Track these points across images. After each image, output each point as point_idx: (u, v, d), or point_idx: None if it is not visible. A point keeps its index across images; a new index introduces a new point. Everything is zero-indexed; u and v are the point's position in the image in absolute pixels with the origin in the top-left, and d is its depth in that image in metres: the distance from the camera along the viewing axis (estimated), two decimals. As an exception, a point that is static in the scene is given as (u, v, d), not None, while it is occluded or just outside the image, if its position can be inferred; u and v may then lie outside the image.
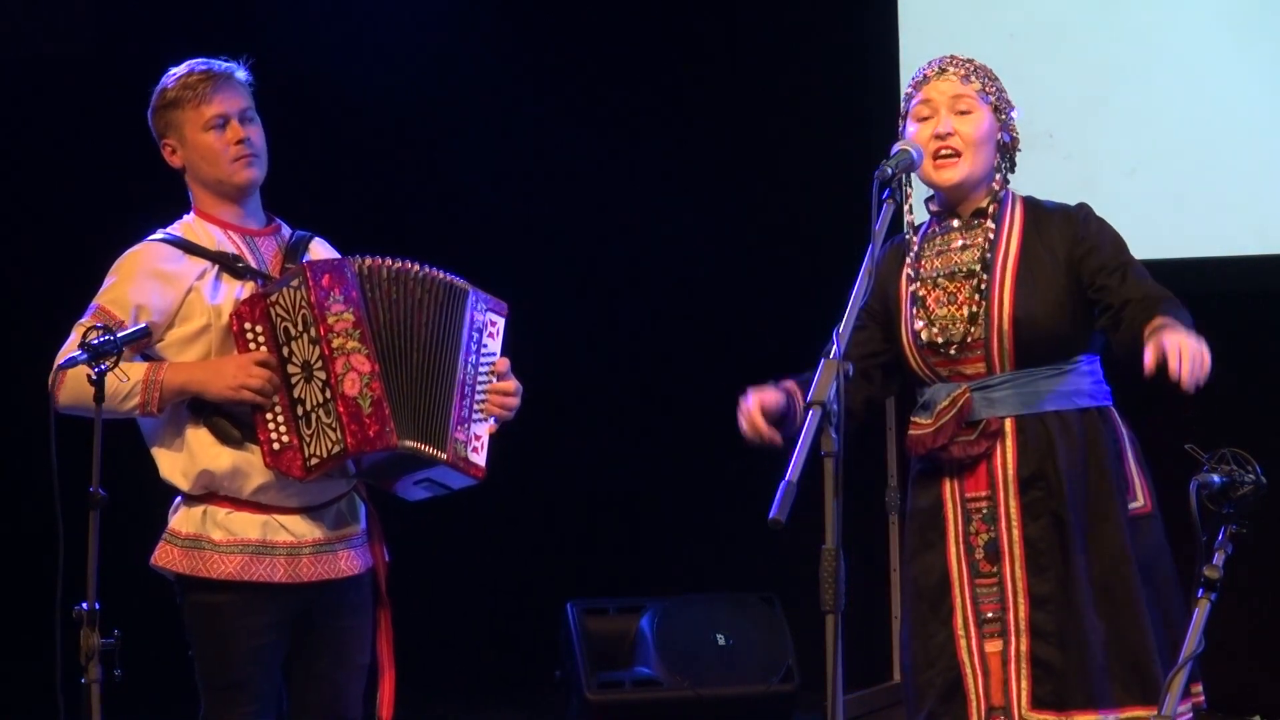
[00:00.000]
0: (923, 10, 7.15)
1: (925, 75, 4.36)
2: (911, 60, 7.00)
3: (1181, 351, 3.88)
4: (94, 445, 4.04)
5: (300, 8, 7.80)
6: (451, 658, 7.69)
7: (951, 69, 4.34)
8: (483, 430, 4.43)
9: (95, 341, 4.07)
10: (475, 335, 4.45)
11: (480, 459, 4.42)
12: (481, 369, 4.46)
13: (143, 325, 4.26)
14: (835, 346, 3.75)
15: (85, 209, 7.66)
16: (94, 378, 4.05)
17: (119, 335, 4.12)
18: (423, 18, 7.93)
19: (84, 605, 4.03)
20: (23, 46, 7.72)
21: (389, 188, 7.95)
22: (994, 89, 4.35)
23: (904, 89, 4.43)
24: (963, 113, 4.31)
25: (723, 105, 7.97)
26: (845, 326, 3.83)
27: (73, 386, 4.21)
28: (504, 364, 4.50)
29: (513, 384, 4.50)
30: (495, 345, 4.50)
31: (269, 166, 4.51)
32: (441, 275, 4.44)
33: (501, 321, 4.52)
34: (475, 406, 4.43)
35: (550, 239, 7.91)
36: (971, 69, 4.35)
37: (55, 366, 4.23)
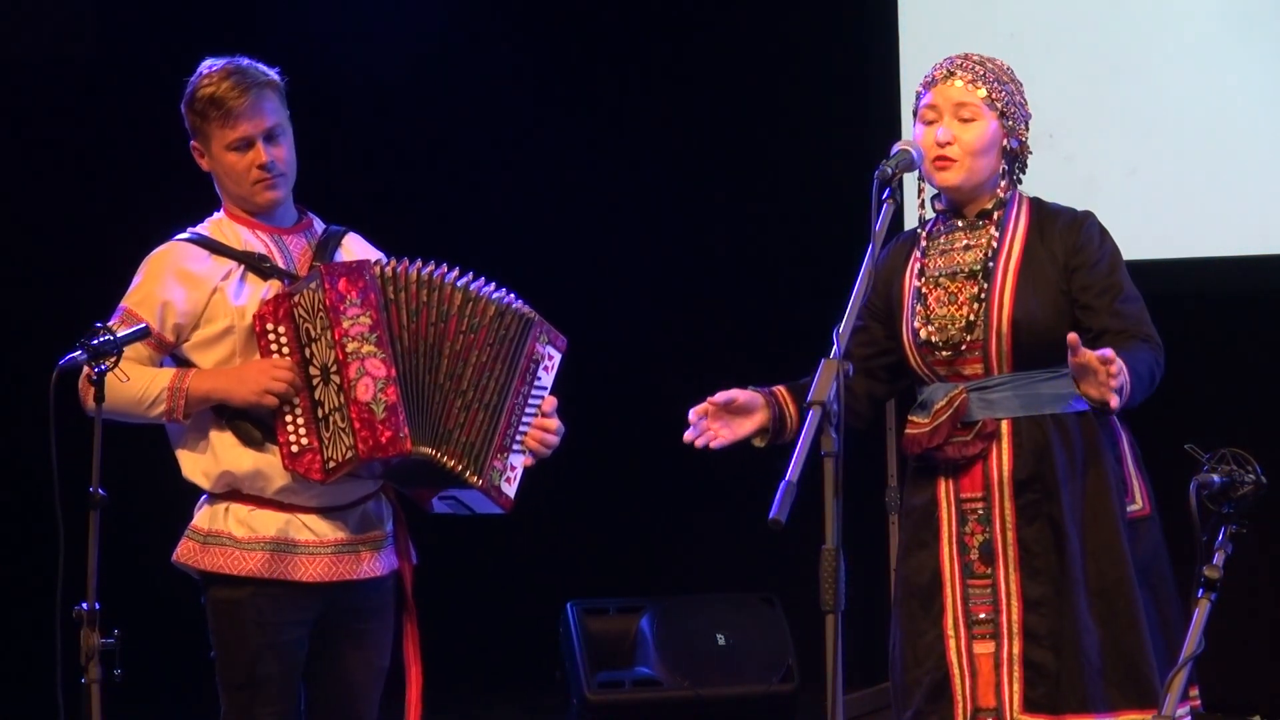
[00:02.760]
0: (923, 10, 7.15)
1: (934, 77, 4.32)
2: (911, 60, 7.01)
3: (1112, 369, 3.91)
4: (94, 445, 4.03)
5: (304, 6, 7.80)
6: (452, 657, 7.69)
7: (960, 73, 4.29)
8: (518, 462, 4.37)
9: (95, 341, 4.06)
10: (532, 366, 4.39)
11: (511, 490, 4.37)
12: (531, 401, 4.39)
13: (142, 325, 4.24)
14: (835, 347, 3.76)
15: (86, 210, 7.66)
16: (94, 378, 4.05)
17: (119, 335, 4.12)
18: (424, 15, 7.93)
19: (84, 605, 4.02)
20: (24, 47, 7.72)
21: (387, 186, 7.95)
22: (1003, 95, 4.29)
23: (910, 85, 4.42)
24: (966, 120, 4.28)
25: (723, 105, 7.97)
26: (845, 326, 3.83)
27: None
28: (551, 403, 4.43)
29: (556, 423, 4.43)
30: (548, 380, 4.43)
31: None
32: (506, 298, 4.39)
33: (558, 357, 4.45)
34: (517, 437, 4.37)
35: (549, 238, 7.91)
36: (981, 73, 4.29)
37: (57, 367, 4.20)
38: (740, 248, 7.96)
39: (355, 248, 4.52)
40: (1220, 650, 4.34)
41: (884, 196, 4.00)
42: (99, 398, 4.04)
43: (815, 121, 7.78)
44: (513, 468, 4.37)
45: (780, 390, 4.35)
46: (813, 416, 3.66)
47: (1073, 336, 3.98)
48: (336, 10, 7.88)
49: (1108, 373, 3.92)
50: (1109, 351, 3.94)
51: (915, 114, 4.36)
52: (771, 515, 3.55)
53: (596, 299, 7.93)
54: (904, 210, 4.61)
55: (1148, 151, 6.83)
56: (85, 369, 4.13)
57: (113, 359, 4.07)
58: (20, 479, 6.98)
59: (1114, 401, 3.94)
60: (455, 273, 4.38)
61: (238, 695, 4.35)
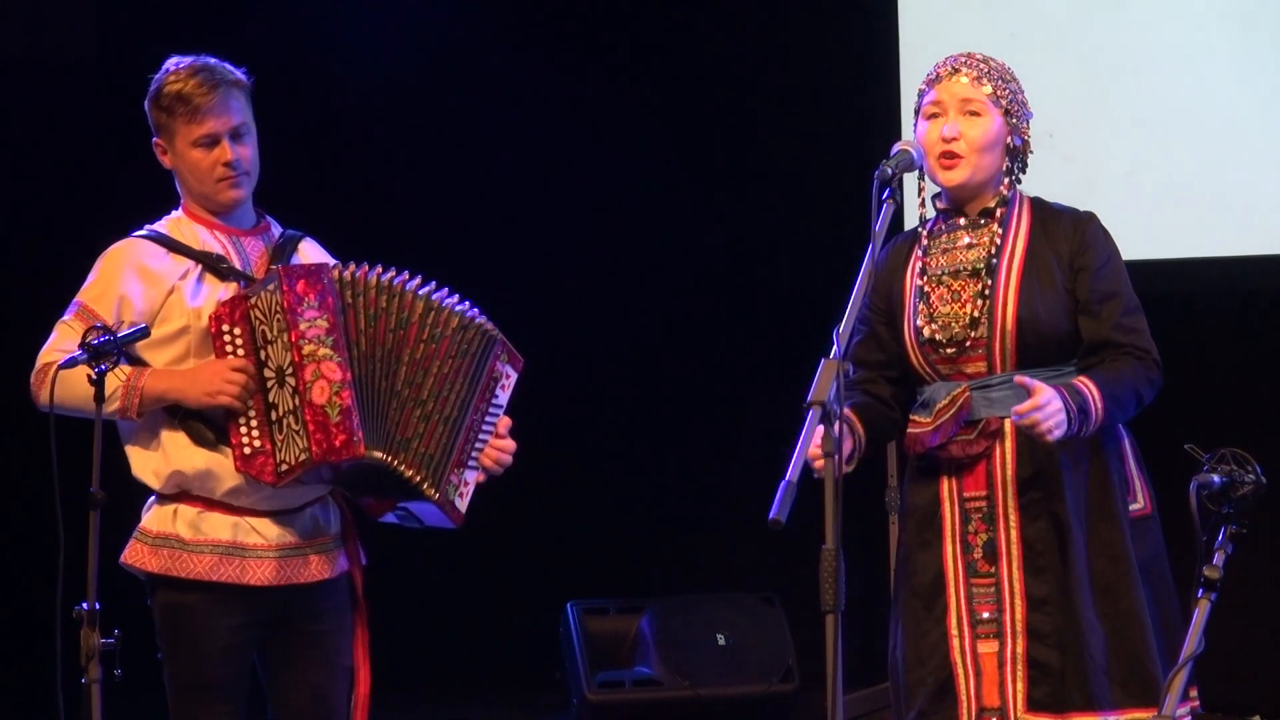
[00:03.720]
0: (923, 10, 7.15)
1: (938, 74, 4.33)
2: (911, 59, 7.01)
3: (1037, 406, 4.05)
4: (94, 445, 4.03)
5: (301, 8, 7.80)
6: (451, 658, 7.70)
7: (965, 70, 4.31)
8: (472, 478, 4.37)
9: (95, 341, 4.06)
10: (491, 384, 4.38)
11: (463, 506, 4.36)
12: (489, 419, 4.39)
13: (142, 326, 4.24)
14: (835, 346, 3.76)
15: (83, 209, 7.66)
16: (94, 378, 4.04)
17: (119, 335, 4.12)
18: (421, 16, 7.94)
19: (84, 605, 4.02)
20: (23, 47, 7.72)
21: (379, 187, 7.95)
22: (1007, 93, 4.31)
23: (910, 85, 4.42)
24: (972, 114, 4.29)
25: (722, 105, 7.97)
26: (845, 326, 3.82)
27: (62, 386, 4.15)
28: (506, 423, 4.43)
29: (511, 443, 4.43)
30: (504, 400, 4.43)
31: (263, 170, 4.47)
32: (469, 311, 4.38)
33: (515, 378, 4.44)
34: (473, 453, 4.37)
35: (549, 238, 7.91)
36: (986, 70, 4.31)
37: (54, 366, 4.18)
38: (740, 248, 7.96)
39: (311, 253, 4.51)
40: (1220, 650, 4.34)
41: (884, 196, 4.00)
42: (99, 397, 4.05)
43: (815, 121, 7.78)
44: (466, 483, 4.36)
45: (849, 414, 4.28)
46: (812, 416, 3.66)
47: (1020, 379, 4.12)
48: (332, 13, 7.88)
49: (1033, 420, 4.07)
50: (1037, 401, 4.05)
51: (917, 111, 4.36)
52: (771, 515, 3.55)
53: (594, 300, 7.93)
54: (904, 210, 4.61)
55: (1148, 151, 6.84)
56: (63, 369, 4.13)
57: (113, 359, 4.07)
58: (20, 479, 6.98)
59: (1047, 437, 4.09)
60: (417, 281, 4.36)
61: (189, 697, 4.35)
